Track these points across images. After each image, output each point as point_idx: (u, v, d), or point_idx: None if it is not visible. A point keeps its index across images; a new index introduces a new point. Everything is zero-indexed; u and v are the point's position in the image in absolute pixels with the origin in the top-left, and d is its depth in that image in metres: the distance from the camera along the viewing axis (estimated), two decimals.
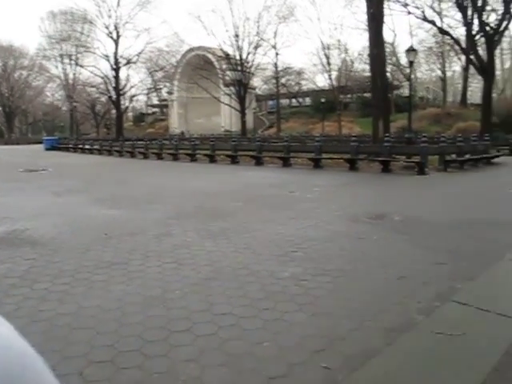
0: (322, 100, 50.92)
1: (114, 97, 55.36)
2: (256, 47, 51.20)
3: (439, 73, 66.58)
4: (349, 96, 63.13)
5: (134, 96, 62.00)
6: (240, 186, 12.98)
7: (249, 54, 51.06)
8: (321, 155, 19.02)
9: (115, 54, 54.33)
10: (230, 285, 4.64)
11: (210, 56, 55.37)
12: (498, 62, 56.32)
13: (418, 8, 42.96)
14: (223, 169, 20.09)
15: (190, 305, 4.14)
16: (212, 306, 4.12)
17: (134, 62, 56.34)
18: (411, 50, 20.77)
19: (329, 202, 9.68)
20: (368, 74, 32.25)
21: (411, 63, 21.65)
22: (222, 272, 5.05)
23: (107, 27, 54.47)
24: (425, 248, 6.04)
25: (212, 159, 23.41)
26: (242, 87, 50.69)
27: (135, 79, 73.49)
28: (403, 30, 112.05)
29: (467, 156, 18.76)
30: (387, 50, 52.86)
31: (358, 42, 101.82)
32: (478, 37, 37.42)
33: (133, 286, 4.65)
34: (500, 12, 36.84)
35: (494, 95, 52.45)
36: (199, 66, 51.87)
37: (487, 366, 3.12)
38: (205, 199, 10.36)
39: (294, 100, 72.69)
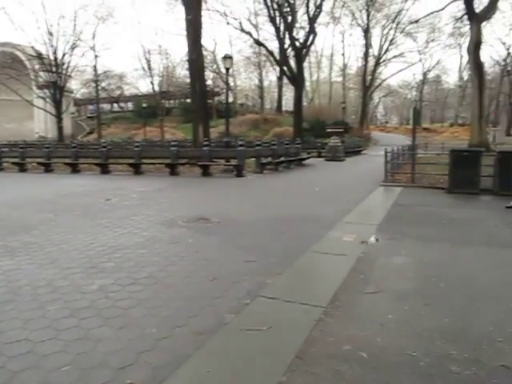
0: (144, 105, 50.13)
1: None
2: (73, 47, 48.08)
3: (257, 81, 71.04)
4: (171, 101, 63.40)
5: None
6: (52, 195, 11.89)
7: (65, 54, 47.68)
8: (140, 161, 18.60)
9: None
10: (28, 306, 4.11)
11: (19, 54, 50.11)
12: (307, 73, 62.33)
13: (235, 19, 45.24)
14: (34, 178, 18.28)
15: None
16: (2, 333, 3.57)
17: None
18: (227, 58, 21.58)
19: (146, 208, 9.42)
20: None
21: (227, 70, 22.49)
22: (18, 293, 4.45)
23: None
24: (238, 248, 6.20)
25: (22, 168, 21.18)
26: (57, 90, 47.12)
27: None
28: (224, 39, 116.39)
29: (282, 158, 20.18)
30: (209, 57, 54.50)
31: (180, 48, 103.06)
32: (289, 50, 40.87)
33: None
34: (306, 30, 40.85)
35: (305, 103, 57.76)
36: (6, 65, 46.59)
37: (291, 355, 3.24)
38: (7, 211, 9.21)
39: (115, 105, 70.28)
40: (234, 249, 6.15)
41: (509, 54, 59.50)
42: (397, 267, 5.44)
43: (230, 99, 48.34)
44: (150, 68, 52.97)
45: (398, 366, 3.11)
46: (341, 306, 4.13)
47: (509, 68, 59.44)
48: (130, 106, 67.18)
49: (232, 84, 63.14)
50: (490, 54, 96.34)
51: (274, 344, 3.43)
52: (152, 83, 53.82)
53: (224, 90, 54.22)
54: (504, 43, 58.85)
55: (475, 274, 5.16)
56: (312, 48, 49.93)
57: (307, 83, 63.81)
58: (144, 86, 62.22)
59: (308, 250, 6.07)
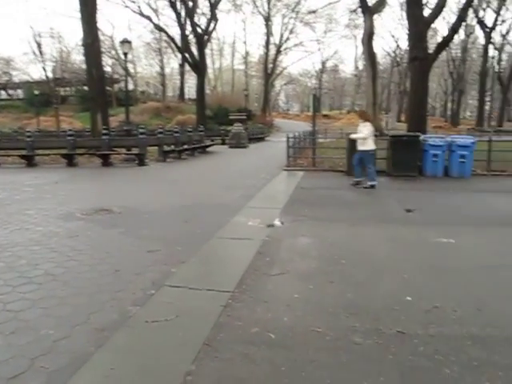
0: (36, 93, 46.66)
1: None
2: None
3: (158, 68, 69.21)
4: (67, 89, 59.78)
5: None
6: None
7: None
8: (34, 152, 17.33)
9: None
10: None
11: None
12: (209, 61, 61.90)
13: (134, 2, 43.42)
14: None
15: None
16: None
17: None
18: (125, 42, 20.69)
19: (41, 202, 8.79)
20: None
21: (126, 55, 21.60)
22: None
23: None
24: (141, 238, 5.99)
25: None
26: None
27: None
28: (123, 24, 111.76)
29: (185, 146, 19.89)
30: (107, 42, 52.05)
31: (75, 32, 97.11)
32: (190, 36, 40.17)
33: None
34: (208, 16, 40.43)
35: (208, 91, 57.35)
36: None
37: (199, 343, 3.18)
38: None
39: (3, 92, 64.89)
40: (136, 239, 5.93)
41: (398, 46, 63.59)
42: (301, 248, 5.58)
43: (131, 86, 46.82)
44: (41, 52, 49.58)
45: (305, 343, 3.17)
46: (248, 290, 4.14)
47: (398, 59, 63.51)
48: (20, 93, 62.33)
49: (132, 71, 61.07)
50: (382, 46, 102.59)
51: (182, 333, 3.35)
52: (44, 69, 50.46)
53: (123, 78, 52.37)
54: (393, 36, 62.77)
55: (373, 251, 5.44)
56: (214, 35, 49.81)
57: (210, 70, 63.49)
58: (36, 72, 58.15)
59: (213, 237, 6.03)
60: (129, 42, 21.18)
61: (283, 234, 6.18)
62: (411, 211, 7.79)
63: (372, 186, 10.38)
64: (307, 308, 3.77)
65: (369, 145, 10.51)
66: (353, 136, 11.18)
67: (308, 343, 3.18)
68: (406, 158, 12.37)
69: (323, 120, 57.35)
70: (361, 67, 71.22)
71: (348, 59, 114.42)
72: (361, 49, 40.14)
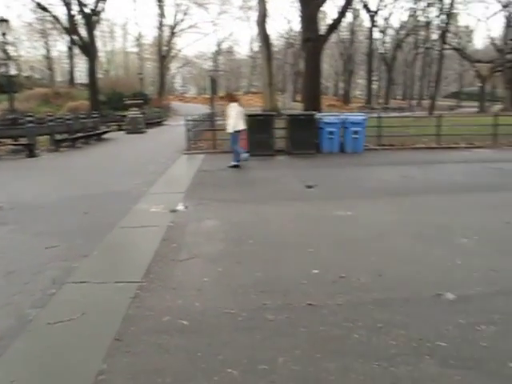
0: None
1: None
2: None
3: (44, 51, 64.28)
4: None
5: None
6: None
7: None
8: None
9: None
10: None
11: None
12: (100, 43, 58.79)
13: None
14: None
15: None
16: None
17: None
18: (2, 21, 18.90)
19: None
20: None
21: (4, 35, 19.75)
22: None
23: None
24: (37, 234, 5.56)
25: None
26: None
27: None
28: None
29: (79, 134, 18.81)
30: None
31: None
32: (78, 17, 37.67)
33: None
34: None
35: (100, 75, 54.59)
36: None
37: (109, 339, 3.02)
38: None
39: None
40: (32, 236, 5.50)
41: (291, 28, 65.08)
42: (207, 231, 5.54)
43: (13, 71, 43.07)
44: None
45: (218, 326, 3.15)
46: (156, 278, 4.02)
47: (292, 40, 65.04)
48: None
49: (14, 54, 56.21)
50: (276, 28, 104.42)
51: (90, 331, 3.16)
52: None
53: (6, 62, 48.17)
54: (286, 18, 64.09)
55: (278, 228, 5.56)
56: (104, 16, 47.25)
57: (101, 54, 60.46)
58: None
59: (116, 226, 5.77)
60: (6, 21, 19.39)
61: (188, 219, 6.09)
62: (311, 187, 8.06)
63: (235, 166, 10.47)
64: (218, 291, 3.75)
65: (239, 125, 10.53)
66: (229, 129, 10.67)
67: (221, 326, 3.16)
68: (303, 136, 12.76)
69: (220, 102, 57.28)
70: (256, 49, 71.99)
71: (243, 41, 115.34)
72: (255, 30, 40.55)
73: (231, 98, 11.05)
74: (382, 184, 8.52)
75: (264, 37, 31.34)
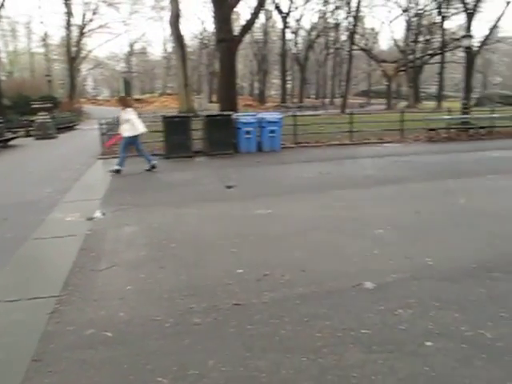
0: None
1: None
2: None
3: None
4: None
5: None
6: None
7: None
8: None
9: None
10: None
11: None
12: (1, 43, 54.99)
13: None
14: None
15: None
16: None
17: None
18: None
19: None
20: None
21: None
22: None
23: None
24: None
25: None
26: None
27: None
28: None
29: None
30: None
31: None
32: None
33: None
34: None
35: (3, 77, 51.12)
36: None
37: (26, 361, 2.82)
38: None
39: None
40: None
41: (204, 28, 64.85)
42: (127, 238, 5.37)
43: None
44: None
45: (144, 335, 3.06)
46: (75, 290, 3.83)
47: (206, 41, 64.84)
48: None
49: None
50: (190, 28, 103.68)
51: (3, 355, 2.93)
52: None
53: None
54: (199, 18, 63.68)
55: (200, 230, 5.52)
56: (3, 13, 44.22)
57: (3, 54, 56.65)
58: None
59: (29, 239, 5.42)
60: None
61: (106, 226, 5.87)
62: (231, 187, 8.09)
63: (117, 171, 10.11)
64: (142, 298, 3.65)
65: (135, 130, 10.19)
66: (125, 133, 10.23)
67: (148, 334, 3.07)
68: (221, 136, 12.75)
69: (135, 104, 55.73)
70: (170, 49, 70.96)
71: (157, 41, 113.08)
72: (168, 31, 39.85)
73: (125, 103, 10.50)
74: (300, 181, 8.74)
75: (177, 37, 30.95)
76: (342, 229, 5.39)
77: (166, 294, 3.67)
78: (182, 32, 31.48)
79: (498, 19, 40.54)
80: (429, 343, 2.86)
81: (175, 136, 12.35)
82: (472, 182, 8.31)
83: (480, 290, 3.60)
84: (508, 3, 38.17)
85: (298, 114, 19.70)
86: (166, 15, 46.32)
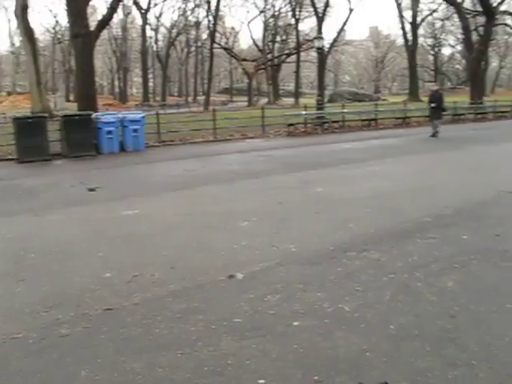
0: None
1: None
2: None
3: None
4: None
5: None
6: None
7: None
8: None
9: None
10: None
11: None
12: None
13: None
14: None
15: None
16: None
17: None
18: None
19: None
20: None
21: None
22: None
23: None
24: None
25: None
26: None
27: None
28: None
29: None
30: None
31: None
32: None
33: None
34: None
35: None
36: None
37: None
38: None
39: None
40: None
41: (57, 22, 60.37)
42: None
43: None
44: None
45: (5, 356, 2.79)
46: None
47: (59, 36, 60.56)
48: None
49: None
50: (41, 21, 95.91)
51: None
52: None
53: None
54: (51, 11, 59.34)
55: (63, 236, 5.21)
56: None
57: None
58: None
59: None
60: None
61: None
62: (94, 190, 7.74)
63: None
64: (0, 316, 3.33)
65: None
66: None
67: (9, 354, 2.81)
68: (80, 137, 12.09)
69: None
70: (18, 43, 65.04)
71: (2, 34, 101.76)
72: (15, 23, 36.42)
73: None
74: (166, 179, 8.67)
75: (26, 30, 28.39)
76: (209, 224, 5.48)
77: (28, 308, 3.39)
78: (32, 25, 29.05)
79: (344, 24, 44.40)
80: (296, 323, 3.05)
81: (29, 138, 11.38)
82: (327, 171, 9.01)
83: (338, 269, 3.94)
84: (351, 10, 41.89)
85: (162, 112, 19.50)
86: (12, 5, 42.26)
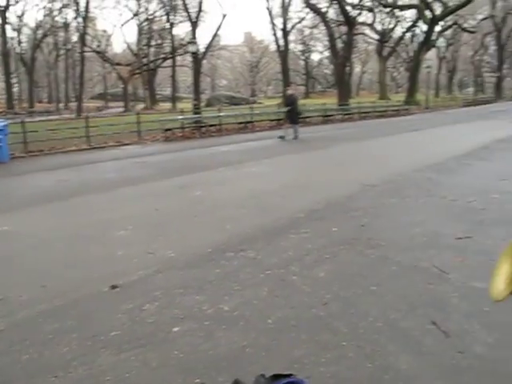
0: None
1: None
2: None
3: None
4: None
5: None
6: None
7: None
8: None
9: None
10: None
11: None
12: None
13: None
14: None
15: None
16: None
17: None
18: None
19: None
20: None
21: None
22: None
23: None
24: None
25: None
26: None
27: None
28: None
29: None
30: None
31: None
32: None
33: None
34: None
35: None
36: None
37: None
38: None
39: None
40: None
41: None
42: None
43: None
44: None
45: None
46: None
47: None
48: None
49: None
50: None
51: None
52: None
53: None
54: None
55: None
56: None
57: None
58: None
59: None
60: None
61: None
62: None
63: None
64: None
65: None
66: None
67: None
68: None
69: None
70: None
71: None
72: None
73: None
74: (36, 191, 8.07)
75: None
76: (84, 235, 5.22)
77: None
78: None
79: (218, 29, 44.74)
80: (176, 328, 3.04)
81: None
82: (205, 175, 9.07)
83: (216, 271, 3.99)
84: (224, 16, 42.54)
85: (29, 120, 18.16)
86: None
